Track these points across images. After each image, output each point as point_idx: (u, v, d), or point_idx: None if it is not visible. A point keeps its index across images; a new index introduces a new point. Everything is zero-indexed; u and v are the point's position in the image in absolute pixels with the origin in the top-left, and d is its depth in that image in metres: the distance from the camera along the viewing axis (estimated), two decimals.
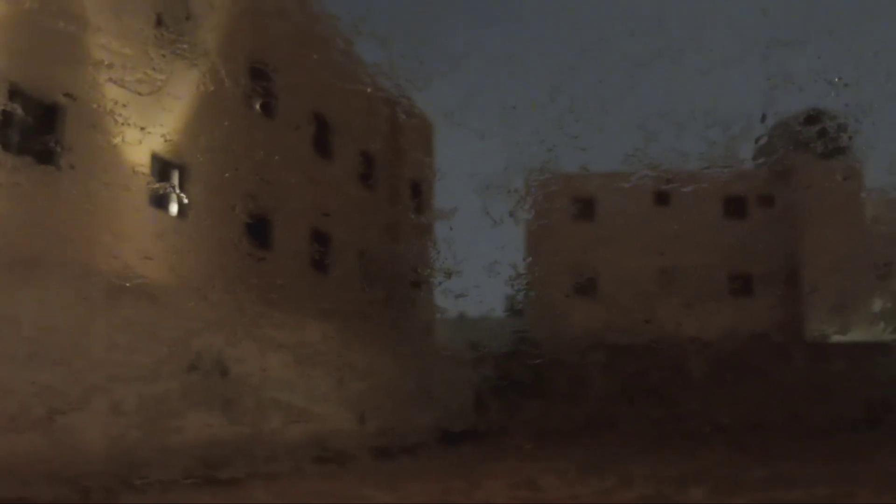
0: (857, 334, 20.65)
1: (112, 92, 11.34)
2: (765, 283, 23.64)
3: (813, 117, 18.67)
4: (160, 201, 13.04)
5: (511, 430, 15.33)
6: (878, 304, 21.09)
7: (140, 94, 11.26)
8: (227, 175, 13.62)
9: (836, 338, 20.84)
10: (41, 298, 8.97)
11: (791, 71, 14.40)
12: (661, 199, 23.33)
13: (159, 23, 12.45)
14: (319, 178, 16.90)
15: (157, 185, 12.68)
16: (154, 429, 10.16)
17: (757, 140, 17.54)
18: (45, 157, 10.90)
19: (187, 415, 10.74)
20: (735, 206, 24.52)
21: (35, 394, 8.65)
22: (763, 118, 15.07)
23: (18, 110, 10.56)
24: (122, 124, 11.25)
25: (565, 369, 17.91)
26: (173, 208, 13.36)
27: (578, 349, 18.04)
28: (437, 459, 13.62)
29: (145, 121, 11.98)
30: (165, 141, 12.53)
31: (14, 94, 10.49)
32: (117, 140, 11.41)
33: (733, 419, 16.84)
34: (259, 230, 14.57)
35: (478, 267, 17.06)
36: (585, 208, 24.61)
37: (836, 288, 21.24)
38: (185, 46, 12.28)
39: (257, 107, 14.38)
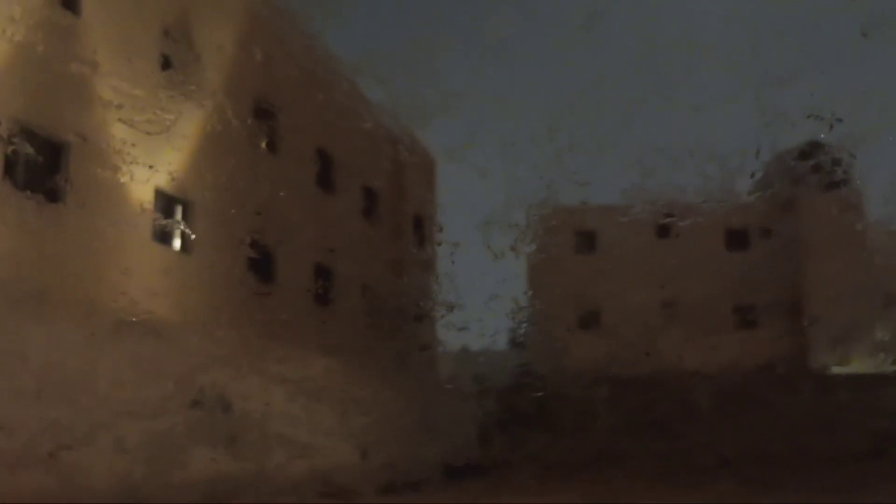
0: (859, 366, 20.60)
1: (121, 132, 11.60)
2: (767, 315, 23.61)
3: (806, 152, 18.88)
4: (166, 238, 13.20)
5: (515, 465, 15.25)
6: (880, 335, 21.08)
7: (149, 133, 11.51)
8: (232, 211, 13.81)
9: (839, 370, 20.80)
10: (48, 334, 9.06)
11: (784, 106, 14.66)
12: (663, 231, 23.36)
13: (167, 65, 12.77)
14: (323, 214, 17.10)
15: (162, 222, 12.86)
16: (159, 464, 10.17)
17: (752, 174, 17.76)
18: (54, 195, 11.11)
19: (192, 450, 10.75)
20: (736, 239, 24.55)
21: (42, 430, 8.69)
22: (757, 154, 15.29)
23: (28, 149, 10.78)
24: (131, 163, 11.48)
25: (569, 403, 17.85)
26: (178, 244, 13.52)
27: (582, 382, 18.01)
28: (441, 494, 13.53)
29: (153, 159, 12.22)
30: (172, 179, 12.76)
31: (23, 133, 10.72)
32: (125, 178, 11.63)
33: (739, 451, 16.75)
34: (263, 266, 14.71)
35: (479, 300, 17.19)
36: (586, 241, 24.66)
37: (838, 319, 21.23)
38: (194, 88, 12.57)
39: (263, 145, 14.63)
